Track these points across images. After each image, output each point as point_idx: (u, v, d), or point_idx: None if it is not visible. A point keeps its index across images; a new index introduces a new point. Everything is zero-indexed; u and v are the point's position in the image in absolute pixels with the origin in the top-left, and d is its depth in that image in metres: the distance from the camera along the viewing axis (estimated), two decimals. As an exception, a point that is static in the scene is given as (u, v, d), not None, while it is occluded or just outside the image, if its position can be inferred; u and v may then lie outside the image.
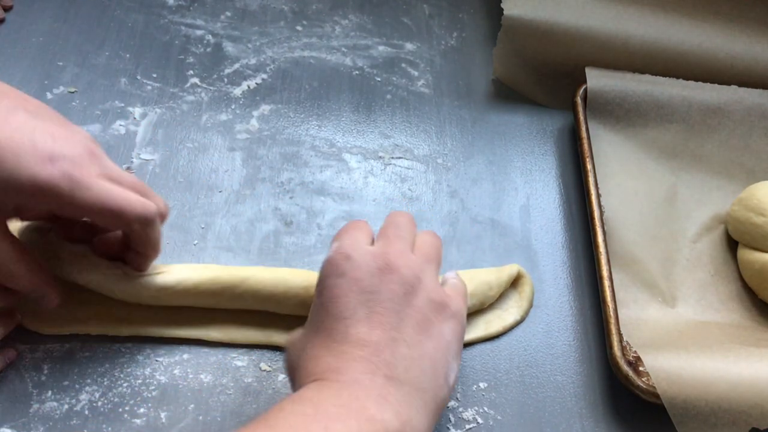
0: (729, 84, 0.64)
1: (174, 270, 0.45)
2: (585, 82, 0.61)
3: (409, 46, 0.66)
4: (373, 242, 0.42)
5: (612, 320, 0.49)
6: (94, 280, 0.44)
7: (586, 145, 0.58)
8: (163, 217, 0.43)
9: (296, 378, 0.39)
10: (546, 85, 0.65)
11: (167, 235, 0.50)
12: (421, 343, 0.38)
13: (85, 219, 0.45)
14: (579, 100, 0.61)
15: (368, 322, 0.38)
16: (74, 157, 0.39)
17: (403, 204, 0.56)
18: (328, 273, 0.40)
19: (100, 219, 0.41)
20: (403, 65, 0.65)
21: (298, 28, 0.65)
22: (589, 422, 0.48)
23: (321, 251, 0.52)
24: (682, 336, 0.51)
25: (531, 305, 0.52)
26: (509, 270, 0.52)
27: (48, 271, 0.43)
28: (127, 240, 0.44)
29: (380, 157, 0.59)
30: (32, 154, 0.37)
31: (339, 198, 0.55)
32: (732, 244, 0.58)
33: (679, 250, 0.57)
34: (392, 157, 0.59)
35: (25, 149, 0.37)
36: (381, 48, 0.66)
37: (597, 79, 0.61)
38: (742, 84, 0.64)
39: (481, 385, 0.48)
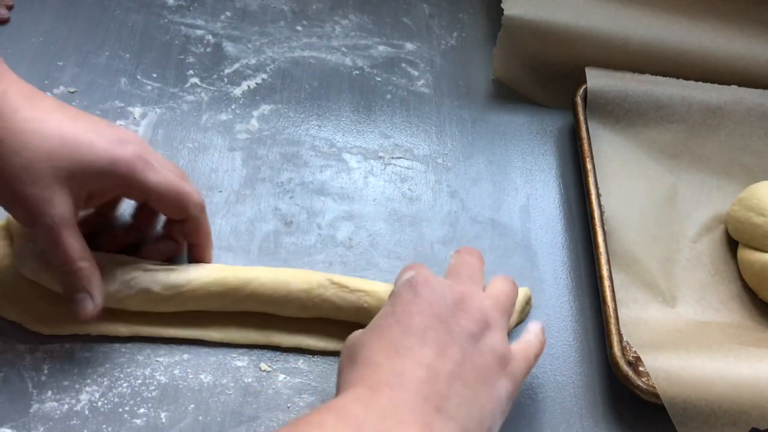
0: (729, 84, 0.64)
1: (183, 268, 0.46)
2: (585, 82, 0.61)
3: (409, 46, 0.66)
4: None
5: (612, 320, 0.49)
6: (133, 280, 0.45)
7: (586, 145, 0.58)
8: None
9: (346, 374, 0.38)
10: (546, 85, 0.65)
11: None
12: (476, 387, 0.37)
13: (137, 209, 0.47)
14: (579, 100, 0.61)
15: (434, 348, 0.37)
16: (137, 142, 0.42)
17: (403, 204, 0.56)
18: (404, 291, 0.40)
19: (165, 201, 0.43)
20: (403, 65, 0.65)
21: (298, 28, 0.65)
22: (589, 422, 0.48)
23: (321, 251, 0.52)
24: (682, 336, 0.51)
25: (523, 317, 0.51)
26: (520, 296, 0.49)
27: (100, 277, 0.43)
28: (182, 232, 0.46)
29: (380, 157, 0.59)
30: (101, 140, 0.40)
31: (339, 198, 0.55)
32: (732, 244, 0.58)
33: (679, 250, 0.57)
34: (392, 157, 0.59)
35: (95, 136, 0.40)
36: (381, 48, 0.66)
37: (597, 79, 0.61)
38: (742, 84, 0.64)
39: (481, 385, 0.48)
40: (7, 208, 0.42)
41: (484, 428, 0.37)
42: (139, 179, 0.41)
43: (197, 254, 0.47)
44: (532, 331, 0.44)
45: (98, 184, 0.41)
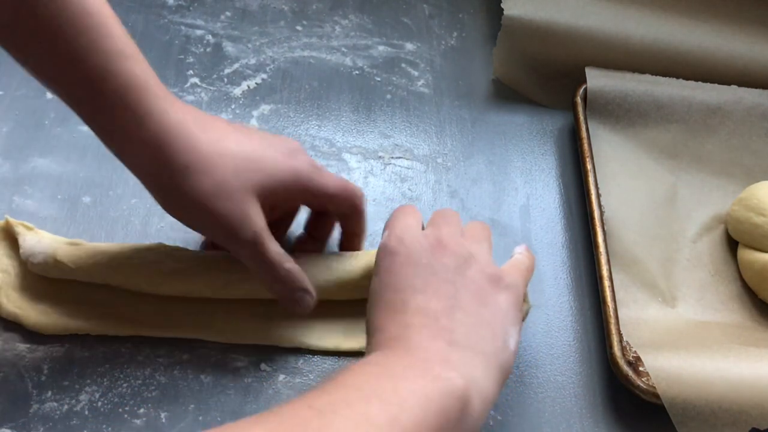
0: (729, 84, 0.64)
1: (360, 254, 0.48)
2: (585, 82, 0.61)
3: (409, 46, 0.66)
4: (423, 228, 0.44)
5: (612, 320, 0.49)
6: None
7: (586, 145, 0.58)
8: None
9: (366, 349, 0.40)
10: (546, 85, 0.65)
11: (168, 235, 0.50)
12: (477, 310, 0.39)
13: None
14: (579, 100, 0.61)
15: (425, 292, 0.39)
16: (303, 149, 0.45)
17: (403, 204, 0.56)
18: (383, 255, 0.42)
19: (340, 200, 0.46)
20: (403, 65, 0.65)
21: (298, 28, 0.65)
22: (589, 422, 0.48)
23: (321, 251, 0.52)
24: (682, 336, 0.51)
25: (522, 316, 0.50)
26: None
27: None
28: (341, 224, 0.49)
29: (380, 157, 0.59)
30: (278, 154, 0.43)
31: (339, 198, 0.55)
32: (732, 244, 0.58)
33: (679, 250, 0.57)
34: (392, 157, 0.59)
35: (273, 151, 0.43)
36: (381, 48, 0.66)
37: (597, 79, 0.61)
38: (742, 84, 0.64)
39: (481, 385, 0.48)
40: (202, 230, 0.45)
41: (498, 342, 0.39)
42: (318, 185, 0.45)
43: (354, 244, 0.49)
44: (516, 251, 0.47)
45: (284, 195, 0.44)
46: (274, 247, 0.43)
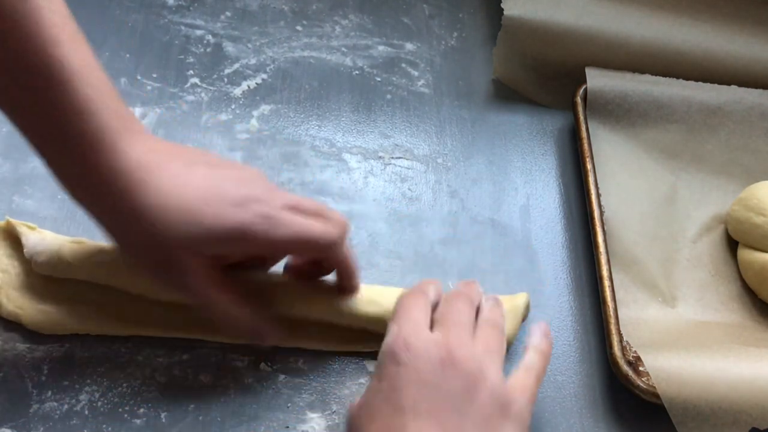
0: (729, 84, 0.64)
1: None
2: (585, 82, 0.61)
3: (409, 46, 0.66)
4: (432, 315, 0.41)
5: (612, 320, 0.49)
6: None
7: (586, 145, 0.58)
8: (344, 234, 0.44)
9: None
10: (546, 84, 0.65)
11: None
12: None
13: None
14: (579, 100, 0.61)
15: (428, 419, 0.36)
16: (261, 196, 0.40)
17: (403, 204, 0.56)
18: (387, 361, 0.38)
19: (294, 251, 0.44)
20: (403, 65, 0.65)
21: (298, 28, 0.65)
22: (589, 422, 0.48)
23: (321, 251, 0.52)
24: (682, 336, 0.51)
25: (520, 322, 0.49)
26: (520, 302, 0.49)
27: (261, 311, 0.44)
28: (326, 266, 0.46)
29: (380, 157, 0.59)
30: (224, 202, 0.39)
31: (339, 198, 0.55)
32: (732, 244, 0.58)
33: (679, 250, 0.57)
34: (392, 157, 0.59)
35: (216, 200, 0.39)
36: (381, 48, 0.66)
37: (597, 79, 0.61)
38: (742, 84, 0.64)
39: (481, 385, 0.48)
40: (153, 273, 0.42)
41: None
42: (261, 239, 0.40)
43: (343, 285, 0.46)
44: (531, 345, 0.43)
45: (220, 250, 0.40)
46: (216, 296, 0.41)
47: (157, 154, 0.39)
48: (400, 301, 0.42)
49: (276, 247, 0.42)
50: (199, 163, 0.41)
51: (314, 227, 0.41)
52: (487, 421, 0.37)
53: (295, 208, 0.41)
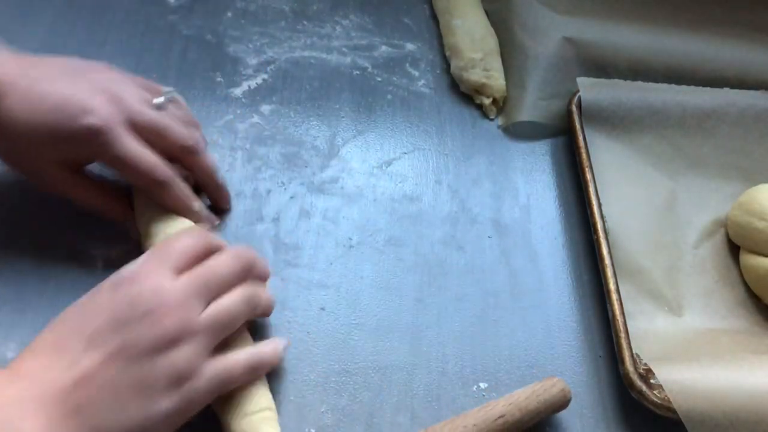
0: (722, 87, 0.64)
1: None
2: (577, 91, 0.61)
3: (409, 46, 0.66)
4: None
5: (622, 335, 0.48)
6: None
7: (584, 155, 0.57)
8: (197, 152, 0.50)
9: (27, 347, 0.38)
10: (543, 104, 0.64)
11: (168, 234, 0.50)
12: (129, 400, 0.36)
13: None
14: (574, 108, 0.60)
15: (97, 356, 0.36)
16: (106, 112, 0.45)
17: (403, 204, 0.56)
18: (106, 285, 0.39)
19: (129, 174, 0.46)
20: (404, 65, 0.65)
21: (299, 28, 0.65)
22: (589, 422, 0.48)
23: (321, 251, 0.52)
24: (691, 346, 0.50)
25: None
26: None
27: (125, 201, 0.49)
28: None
29: (381, 157, 0.59)
30: (74, 108, 0.44)
31: (340, 198, 0.55)
32: (733, 248, 0.58)
33: (682, 257, 0.56)
34: (393, 157, 0.59)
35: (69, 104, 0.44)
36: (382, 48, 0.66)
37: (589, 89, 0.60)
38: (735, 87, 0.64)
39: (482, 385, 0.48)
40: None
41: None
42: (101, 147, 0.45)
43: (216, 202, 0.52)
44: (266, 346, 0.43)
45: (70, 148, 0.45)
46: (72, 194, 0.48)
47: (21, 64, 0.45)
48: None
49: (113, 160, 0.45)
50: (64, 74, 0.46)
51: (148, 162, 0.46)
52: (149, 384, 0.36)
53: (144, 132, 0.46)
